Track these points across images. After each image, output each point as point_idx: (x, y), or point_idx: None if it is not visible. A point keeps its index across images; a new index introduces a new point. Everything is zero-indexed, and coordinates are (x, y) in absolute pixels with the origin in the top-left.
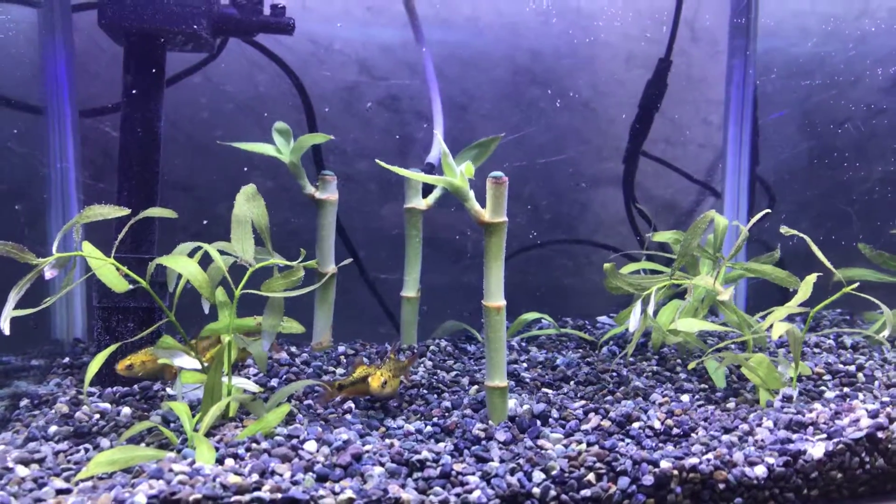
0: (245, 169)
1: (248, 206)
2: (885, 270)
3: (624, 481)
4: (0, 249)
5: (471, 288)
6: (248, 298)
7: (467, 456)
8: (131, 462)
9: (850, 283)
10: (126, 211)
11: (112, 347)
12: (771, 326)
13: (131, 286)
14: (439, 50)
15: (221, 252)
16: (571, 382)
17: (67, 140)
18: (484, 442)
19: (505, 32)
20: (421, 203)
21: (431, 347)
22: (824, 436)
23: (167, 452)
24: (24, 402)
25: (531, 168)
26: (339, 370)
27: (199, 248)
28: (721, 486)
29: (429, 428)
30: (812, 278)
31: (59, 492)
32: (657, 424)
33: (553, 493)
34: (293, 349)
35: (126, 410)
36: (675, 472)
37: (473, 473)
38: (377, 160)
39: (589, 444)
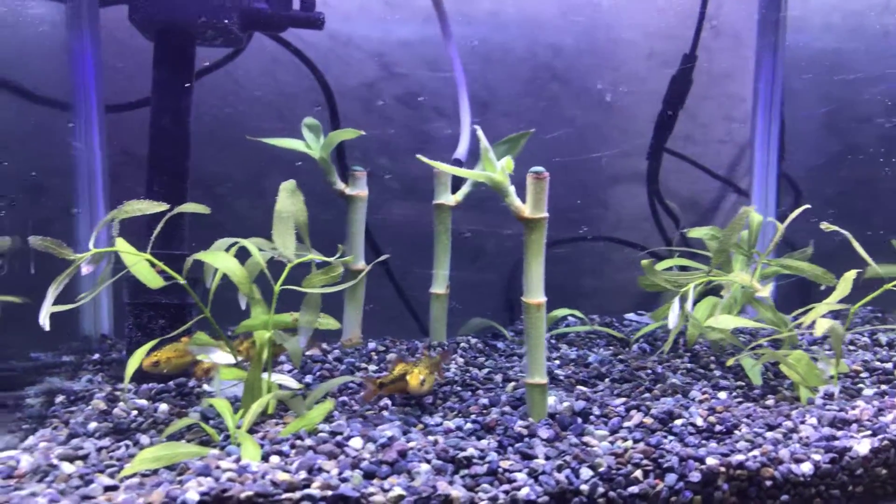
0: (263, 164)
1: (290, 201)
2: None
3: (671, 478)
4: (38, 245)
5: (491, 285)
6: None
7: (511, 453)
8: (175, 459)
9: (892, 280)
10: (164, 206)
11: (150, 343)
12: (813, 323)
13: (166, 283)
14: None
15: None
16: (606, 380)
17: (94, 135)
18: (527, 439)
19: (527, 27)
20: (450, 199)
21: (462, 344)
22: (869, 432)
23: (210, 449)
24: (60, 398)
25: (549, 164)
26: (372, 367)
27: (236, 243)
28: (768, 482)
29: (469, 425)
30: (851, 275)
31: (107, 488)
32: (700, 421)
33: (601, 489)
34: (324, 345)
35: (163, 407)
36: (722, 468)
37: (520, 470)
38: (418, 156)
39: (634, 441)
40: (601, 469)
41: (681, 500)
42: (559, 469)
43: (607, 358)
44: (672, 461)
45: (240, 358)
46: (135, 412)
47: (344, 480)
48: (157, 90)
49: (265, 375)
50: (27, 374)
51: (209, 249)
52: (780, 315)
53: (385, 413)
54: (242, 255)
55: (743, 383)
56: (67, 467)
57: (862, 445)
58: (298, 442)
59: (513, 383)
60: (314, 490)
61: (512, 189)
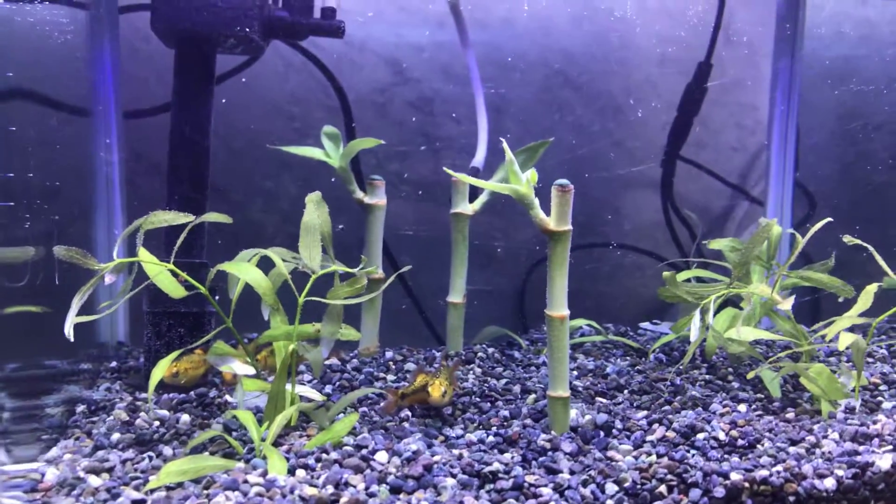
0: (276, 172)
1: (316, 213)
2: None
3: (695, 493)
4: (63, 255)
5: (504, 294)
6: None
7: (535, 467)
8: (201, 472)
9: None
10: (191, 217)
11: (174, 354)
12: (837, 336)
13: (188, 292)
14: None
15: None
16: (626, 391)
17: (112, 142)
18: (551, 453)
19: (539, 35)
20: (468, 208)
21: (479, 354)
22: (890, 447)
23: (235, 462)
24: (81, 407)
25: (564, 170)
26: (390, 376)
27: (258, 254)
28: (791, 498)
29: (491, 438)
30: (873, 288)
31: (135, 502)
32: (722, 436)
33: None
34: (342, 354)
35: (185, 418)
36: (746, 484)
37: (546, 485)
38: (445, 168)
39: (658, 456)
40: (626, 484)
41: None
42: (584, 484)
43: (625, 369)
44: (696, 476)
45: (261, 370)
46: (157, 423)
47: (371, 495)
48: (178, 98)
49: (288, 387)
50: (44, 381)
51: (233, 260)
52: (798, 327)
53: (406, 424)
54: (263, 264)
55: (762, 395)
56: (94, 480)
57: (884, 460)
58: (324, 455)
59: (533, 395)
60: None
61: (537, 201)
